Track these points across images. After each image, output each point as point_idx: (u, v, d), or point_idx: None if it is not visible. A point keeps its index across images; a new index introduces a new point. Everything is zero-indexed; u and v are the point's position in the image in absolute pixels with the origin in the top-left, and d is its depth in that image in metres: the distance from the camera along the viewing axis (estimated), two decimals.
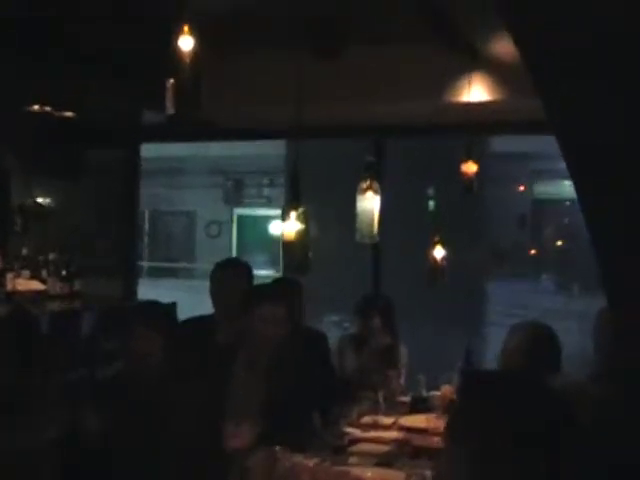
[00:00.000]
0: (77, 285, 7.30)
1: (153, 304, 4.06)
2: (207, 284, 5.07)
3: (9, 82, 5.51)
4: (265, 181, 18.45)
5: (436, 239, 5.43)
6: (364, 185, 4.66)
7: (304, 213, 3.71)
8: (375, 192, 4.64)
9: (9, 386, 3.63)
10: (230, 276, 5.03)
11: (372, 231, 4.66)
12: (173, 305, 3.98)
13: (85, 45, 5.67)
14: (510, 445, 1.68)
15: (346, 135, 7.61)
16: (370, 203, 4.59)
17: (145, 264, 17.55)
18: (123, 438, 3.59)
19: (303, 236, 3.68)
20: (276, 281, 5.78)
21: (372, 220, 4.61)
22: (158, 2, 4.30)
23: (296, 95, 4.13)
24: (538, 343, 4.13)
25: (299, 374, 4.50)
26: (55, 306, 6.92)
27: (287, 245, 3.75)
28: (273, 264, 18.07)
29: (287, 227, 3.71)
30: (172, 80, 2.86)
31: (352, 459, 4.04)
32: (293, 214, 3.73)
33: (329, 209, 8.13)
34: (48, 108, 6.19)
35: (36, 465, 3.49)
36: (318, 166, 7.23)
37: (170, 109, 2.89)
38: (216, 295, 4.99)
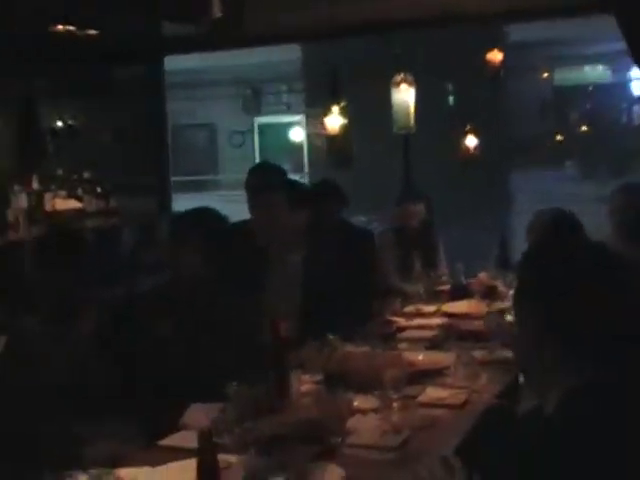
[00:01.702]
0: (113, 202, 7.43)
1: (196, 210, 4.05)
2: (234, 194, 5.04)
3: (32, 3, 5.52)
4: (283, 88, 18.37)
5: (467, 128, 5.48)
6: (398, 78, 4.70)
7: (345, 107, 3.76)
8: (410, 84, 4.68)
9: (59, 302, 3.68)
10: (266, 180, 5.08)
11: (409, 121, 4.71)
12: (215, 210, 4.00)
13: None
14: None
15: (365, 31, 7.55)
16: (405, 95, 4.64)
17: (171, 179, 17.62)
18: (172, 346, 3.65)
19: (347, 130, 3.74)
20: (317, 183, 5.84)
21: (408, 111, 4.66)
22: None
23: None
24: (561, 224, 4.24)
25: (340, 269, 4.61)
26: (93, 223, 7.05)
27: (331, 140, 3.81)
28: (296, 170, 18.13)
29: (330, 122, 3.76)
30: None
31: (402, 345, 4.19)
32: (335, 109, 3.77)
33: (363, 105, 8.10)
34: (71, 27, 6.19)
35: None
36: (348, 66, 7.15)
37: (217, 13, 2.93)
38: (254, 200, 5.04)
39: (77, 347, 3.64)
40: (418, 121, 5.08)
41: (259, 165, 5.38)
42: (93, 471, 2.57)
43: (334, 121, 3.79)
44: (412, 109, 4.74)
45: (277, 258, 4.54)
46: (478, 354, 3.84)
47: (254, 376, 3.20)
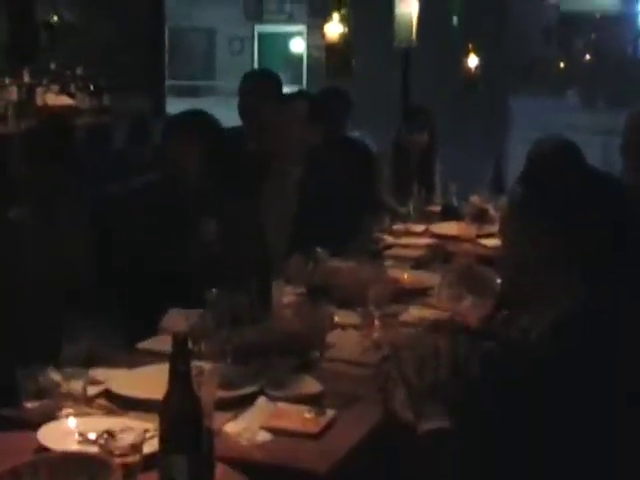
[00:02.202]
0: (105, 100, 7.32)
1: (193, 112, 4.00)
2: (229, 101, 4.98)
3: None
4: None
5: (469, 47, 5.37)
6: None
7: (347, 15, 3.65)
8: None
9: (49, 198, 3.65)
10: (260, 86, 5.00)
11: (411, 35, 4.60)
12: (209, 115, 3.94)
13: None
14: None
15: None
16: (408, 6, 4.50)
17: (167, 82, 17.41)
18: (159, 245, 3.62)
19: (346, 39, 3.63)
20: (323, 90, 5.72)
21: (411, 24, 4.54)
22: None
23: None
24: (561, 152, 4.17)
25: (333, 183, 4.56)
26: (85, 120, 6.95)
27: (330, 48, 3.70)
28: (295, 81, 17.91)
29: (330, 29, 3.65)
30: None
31: (388, 262, 4.16)
32: (336, 16, 3.65)
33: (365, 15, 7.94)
34: None
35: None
36: None
37: None
38: (246, 106, 4.97)
39: (65, 239, 3.61)
40: (420, 36, 4.97)
41: (254, 71, 5.28)
42: (68, 370, 2.53)
43: (334, 29, 3.67)
44: (414, 23, 4.60)
45: (276, 168, 4.48)
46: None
47: (236, 283, 3.17)
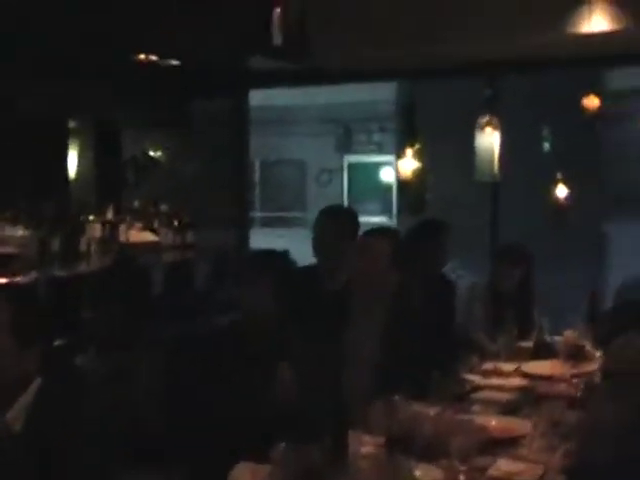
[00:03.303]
0: (190, 236, 7.33)
1: (266, 252, 3.95)
2: None
3: (116, 32, 5.47)
4: (375, 127, 18.23)
5: (558, 177, 5.18)
6: (483, 121, 4.44)
7: (420, 150, 3.53)
8: (495, 128, 4.43)
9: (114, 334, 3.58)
10: (333, 223, 4.91)
11: (493, 169, 4.45)
12: (286, 253, 3.84)
13: None
14: None
15: (461, 73, 7.31)
16: (490, 139, 4.38)
17: (257, 214, 17.57)
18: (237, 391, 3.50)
19: (420, 174, 3.50)
20: (420, 223, 5.60)
21: (492, 157, 4.40)
22: None
23: (409, 34, 3.96)
24: None
25: (422, 323, 4.37)
26: (169, 257, 6.96)
27: (403, 184, 3.57)
28: (385, 211, 17.90)
29: (403, 165, 3.53)
30: (279, 9, 2.72)
31: (474, 407, 3.90)
32: (409, 151, 3.54)
33: (443, 148, 7.88)
34: (154, 57, 6.13)
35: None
36: (431, 107, 6.99)
37: (277, 38, 2.77)
38: (319, 243, 4.87)
39: (132, 386, 3.51)
40: (508, 168, 4.83)
41: (329, 207, 5.20)
42: None
43: (407, 164, 3.56)
44: (496, 155, 4.45)
45: (358, 308, 4.30)
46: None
47: (311, 435, 2.97)
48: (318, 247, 4.82)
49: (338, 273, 4.65)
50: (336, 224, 4.86)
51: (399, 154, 3.60)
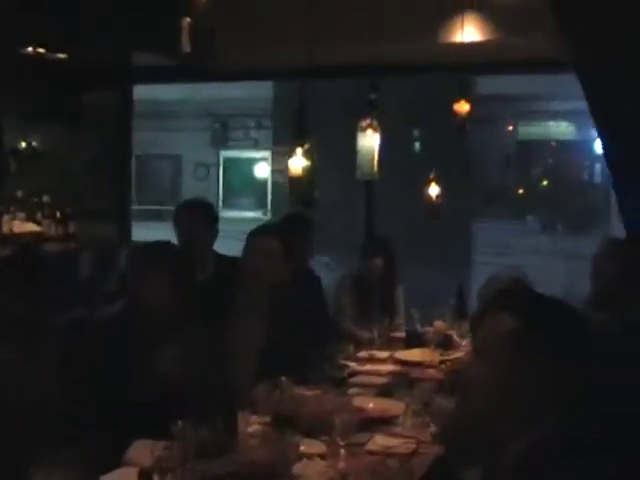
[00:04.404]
0: (72, 227, 7.37)
1: (158, 244, 4.03)
2: None
3: (3, 24, 5.50)
4: (252, 123, 18.40)
5: (431, 177, 5.51)
6: (364, 123, 4.71)
7: (311, 149, 3.75)
8: (375, 130, 4.70)
9: (16, 321, 3.65)
10: (190, 217, 5.13)
11: (373, 168, 4.72)
12: (174, 245, 3.98)
13: None
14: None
15: (340, 75, 7.60)
16: (370, 141, 4.65)
17: (133, 207, 17.52)
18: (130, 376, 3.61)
19: (310, 172, 3.72)
20: (286, 217, 5.82)
21: (372, 157, 4.67)
22: None
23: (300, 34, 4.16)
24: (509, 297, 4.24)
25: (299, 313, 4.59)
26: (51, 248, 6.98)
27: (293, 181, 3.78)
28: (260, 206, 18.11)
29: (293, 163, 3.74)
30: (188, 19, 2.88)
31: (352, 390, 4.17)
32: (299, 150, 3.75)
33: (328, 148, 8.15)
34: (42, 50, 6.17)
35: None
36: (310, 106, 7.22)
37: (186, 47, 2.93)
38: (179, 237, 5.08)
39: (30, 372, 3.60)
40: (382, 168, 5.10)
41: (186, 201, 5.48)
42: None
43: (297, 162, 3.77)
44: (376, 156, 4.74)
45: (242, 299, 4.49)
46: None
47: (201, 414, 3.16)
48: (178, 240, 5.02)
49: (208, 263, 4.90)
50: (199, 217, 5.09)
51: (289, 153, 3.78)
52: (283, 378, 3.73)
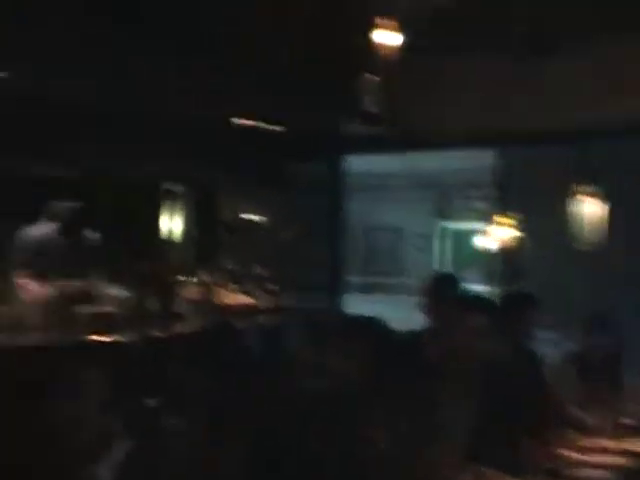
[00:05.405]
0: (284, 299, 7.34)
1: (356, 318, 3.89)
2: (415, 299, 4.94)
3: (215, 97, 5.56)
4: (474, 194, 18.16)
5: None
6: (583, 190, 4.39)
7: (517, 221, 3.46)
8: (595, 197, 4.37)
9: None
10: (442, 289, 4.88)
11: (594, 237, 4.36)
12: (378, 319, 3.80)
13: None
14: None
15: (563, 141, 7.20)
16: (590, 208, 4.31)
17: (353, 279, 17.64)
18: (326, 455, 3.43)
19: (518, 243, 3.43)
20: (507, 294, 5.53)
21: (593, 225, 4.32)
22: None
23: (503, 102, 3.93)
24: None
25: (511, 393, 4.27)
26: (263, 320, 6.96)
27: (502, 252, 3.50)
28: (483, 278, 17.71)
29: (500, 233, 3.46)
30: (371, 75, 2.71)
31: None
32: (505, 222, 3.48)
33: (541, 217, 7.78)
34: (254, 122, 6.21)
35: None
36: (528, 174, 6.91)
37: (370, 106, 2.75)
38: (428, 309, 4.85)
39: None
40: (612, 237, 4.73)
41: (435, 274, 5.27)
42: None
43: (504, 233, 3.49)
44: (597, 223, 4.37)
45: (452, 369, 4.24)
46: None
47: None
48: (427, 312, 4.82)
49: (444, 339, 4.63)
50: (444, 290, 4.87)
51: (496, 222, 3.51)
52: (484, 469, 3.40)
